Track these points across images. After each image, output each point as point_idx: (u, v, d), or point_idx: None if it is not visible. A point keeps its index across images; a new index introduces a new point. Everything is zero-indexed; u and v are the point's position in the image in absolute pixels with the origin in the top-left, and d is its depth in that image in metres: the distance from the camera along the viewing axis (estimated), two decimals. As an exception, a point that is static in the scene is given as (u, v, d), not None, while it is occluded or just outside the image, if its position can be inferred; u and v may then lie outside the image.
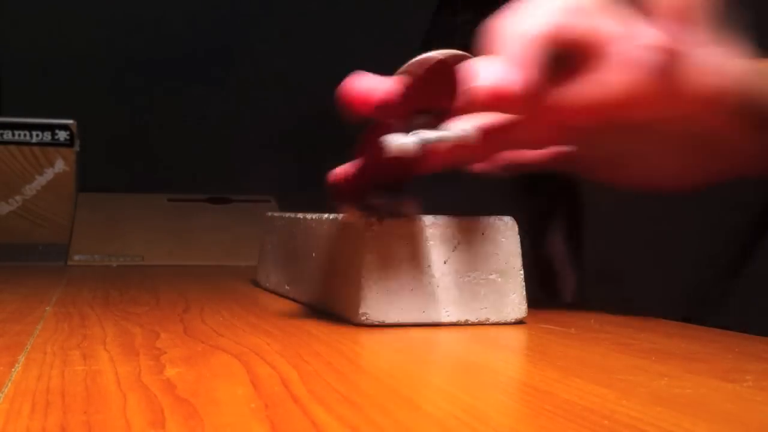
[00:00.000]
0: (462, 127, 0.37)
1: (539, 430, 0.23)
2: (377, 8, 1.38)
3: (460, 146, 0.35)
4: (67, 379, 0.29)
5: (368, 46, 1.39)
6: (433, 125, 0.37)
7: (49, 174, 0.95)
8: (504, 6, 0.38)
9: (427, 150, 0.36)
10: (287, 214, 0.58)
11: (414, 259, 0.43)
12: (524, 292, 0.45)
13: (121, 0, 1.31)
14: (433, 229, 0.43)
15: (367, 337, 0.40)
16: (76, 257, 0.90)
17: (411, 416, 0.25)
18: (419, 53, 0.38)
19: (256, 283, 0.65)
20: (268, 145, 1.41)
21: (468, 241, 0.44)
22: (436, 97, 0.36)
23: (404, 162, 0.36)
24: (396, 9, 1.39)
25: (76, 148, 0.96)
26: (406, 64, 0.36)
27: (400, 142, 0.36)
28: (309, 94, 1.41)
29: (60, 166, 0.95)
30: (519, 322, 0.45)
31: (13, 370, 0.31)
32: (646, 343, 0.40)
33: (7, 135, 0.94)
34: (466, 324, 0.44)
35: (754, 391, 0.29)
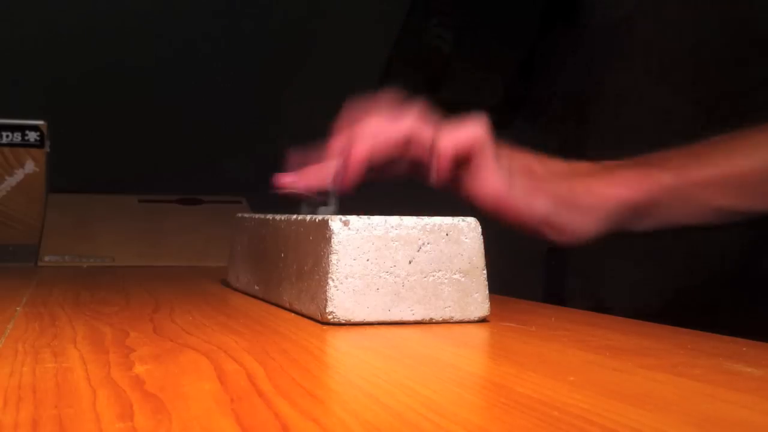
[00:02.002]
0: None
1: (493, 421, 0.25)
2: (349, 11, 1.39)
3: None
4: (38, 375, 0.30)
5: (340, 49, 1.40)
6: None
7: (19, 175, 0.95)
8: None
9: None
10: (257, 215, 0.59)
11: (380, 259, 0.44)
12: (487, 292, 0.46)
13: (94, 2, 1.30)
14: (399, 230, 0.44)
15: (333, 335, 0.41)
16: (47, 258, 0.90)
17: (371, 409, 0.26)
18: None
19: (227, 284, 0.66)
20: (239, 145, 1.42)
21: (432, 241, 0.45)
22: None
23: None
24: (368, 12, 1.40)
25: (47, 148, 0.96)
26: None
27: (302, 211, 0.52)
28: (280, 94, 1.42)
29: (30, 167, 0.95)
30: (482, 321, 0.46)
31: (-16, 367, 0.31)
32: (603, 339, 0.41)
33: (-23, 136, 0.93)
34: (430, 322, 0.45)
35: (701, 385, 0.31)
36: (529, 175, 0.56)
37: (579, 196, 0.55)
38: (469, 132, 0.52)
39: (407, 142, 0.52)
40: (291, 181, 0.53)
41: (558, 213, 0.56)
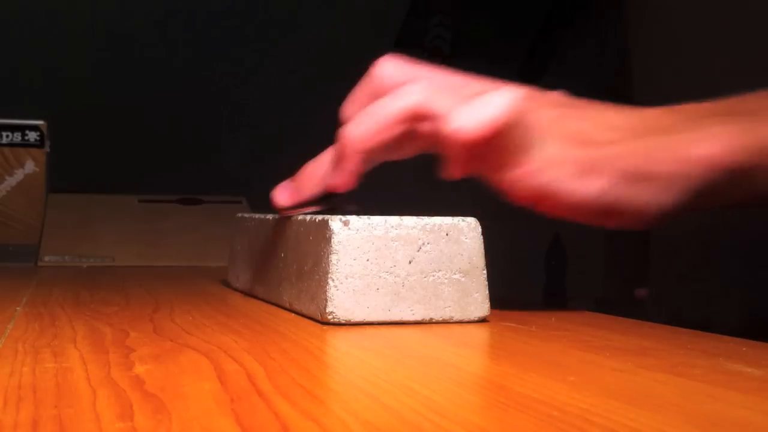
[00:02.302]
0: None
1: (492, 421, 0.25)
2: (351, 9, 1.39)
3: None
4: (38, 375, 0.30)
5: (342, 46, 1.40)
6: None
7: (19, 175, 0.95)
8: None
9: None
10: (257, 215, 0.59)
11: (380, 259, 0.44)
12: (487, 292, 0.46)
13: (93, 2, 1.30)
14: (399, 229, 0.44)
15: (333, 335, 0.41)
16: (47, 258, 0.90)
17: (371, 409, 0.26)
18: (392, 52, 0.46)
19: (227, 284, 0.66)
20: (239, 145, 1.42)
21: (432, 241, 0.45)
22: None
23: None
24: (369, 10, 1.40)
25: (47, 148, 0.96)
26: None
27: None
28: (283, 95, 1.42)
29: (30, 167, 0.95)
30: (482, 321, 0.46)
31: (-16, 367, 0.31)
32: (603, 340, 0.41)
33: (-23, 136, 0.94)
34: (430, 322, 0.45)
35: (701, 385, 0.31)
36: (581, 144, 0.43)
37: (654, 163, 0.42)
38: (495, 109, 0.40)
39: (414, 119, 0.42)
40: (290, 198, 0.48)
41: (622, 190, 0.43)
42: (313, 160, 0.48)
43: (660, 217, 0.44)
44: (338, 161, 0.44)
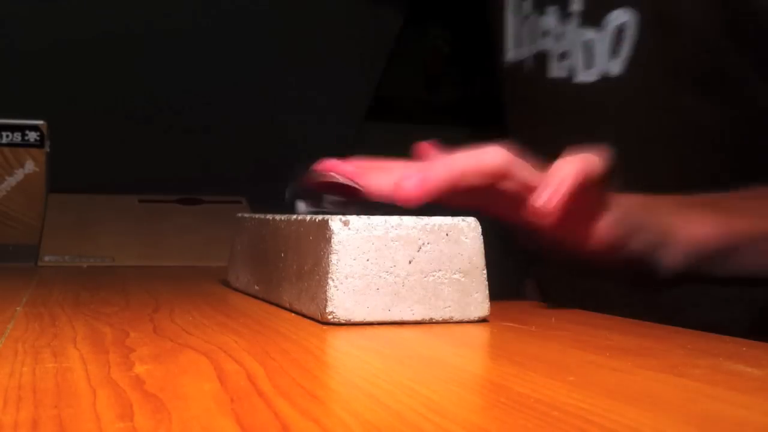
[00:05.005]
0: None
1: (492, 421, 0.25)
2: (346, 18, 1.39)
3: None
4: (38, 375, 0.30)
5: (338, 55, 1.40)
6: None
7: (19, 175, 0.95)
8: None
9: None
10: (257, 215, 0.59)
11: (380, 259, 0.44)
12: (487, 292, 0.46)
13: (93, 2, 1.30)
14: (399, 230, 0.44)
15: (333, 335, 0.41)
16: (47, 258, 0.90)
17: (371, 409, 0.26)
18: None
19: (227, 284, 0.66)
20: (240, 145, 1.42)
21: (432, 241, 0.45)
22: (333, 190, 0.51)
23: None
24: (365, 20, 1.40)
25: (47, 148, 0.96)
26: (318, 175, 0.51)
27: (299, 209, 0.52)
28: (281, 97, 1.42)
29: (30, 166, 0.95)
30: (482, 321, 0.46)
31: (-16, 367, 0.31)
32: (603, 340, 0.41)
33: (-23, 136, 0.94)
34: (430, 322, 0.45)
35: (701, 385, 0.31)
36: (634, 211, 0.52)
37: (672, 232, 0.53)
38: (583, 164, 0.45)
39: (499, 176, 0.46)
40: (347, 171, 0.50)
41: (654, 249, 0.53)
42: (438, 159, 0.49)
43: (674, 273, 0.54)
44: (421, 180, 0.46)
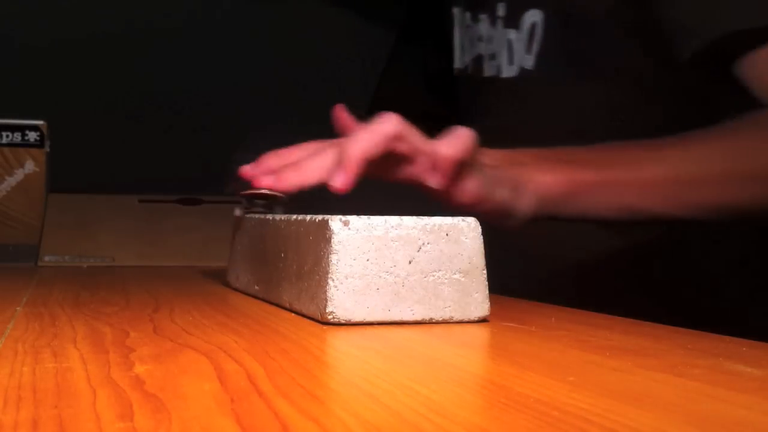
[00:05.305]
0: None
1: (492, 421, 0.25)
2: (341, 31, 1.40)
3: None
4: (38, 375, 0.30)
5: (332, 68, 1.41)
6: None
7: (19, 175, 0.95)
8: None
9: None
10: (257, 215, 0.59)
11: (380, 259, 0.44)
12: (487, 292, 0.46)
13: (94, 2, 1.30)
14: (399, 230, 0.44)
15: (333, 335, 0.41)
16: (47, 258, 0.90)
17: (371, 409, 0.26)
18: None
19: (227, 284, 0.66)
20: (239, 145, 1.42)
21: (432, 241, 0.45)
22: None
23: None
24: (359, 35, 1.40)
25: (47, 148, 0.96)
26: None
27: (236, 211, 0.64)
28: (281, 97, 1.42)
29: (30, 166, 0.95)
30: (482, 320, 0.46)
31: (-16, 367, 0.31)
32: (603, 340, 0.41)
33: (-23, 136, 0.94)
34: (430, 322, 0.45)
35: (700, 385, 0.31)
36: (489, 167, 0.61)
37: (523, 182, 0.62)
38: (466, 143, 0.56)
39: (395, 139, 0.54)
40: (267, 181, 0.55)
41: (511, 198, 0.61)
42: (301, 150, 0.58)
43: (527, 219, 0.63)
44: (341, 166, 0.52)
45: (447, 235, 0.45)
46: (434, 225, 0.45)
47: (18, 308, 0.50)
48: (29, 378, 0.29)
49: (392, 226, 0.44)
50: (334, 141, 0.56)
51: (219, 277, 0.71)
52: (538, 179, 0.62)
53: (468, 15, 0.87)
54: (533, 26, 0.77)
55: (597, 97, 0.75)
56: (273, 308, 0.51)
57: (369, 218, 0.44)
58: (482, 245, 0.46)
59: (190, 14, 1.34)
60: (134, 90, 1.37)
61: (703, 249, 0.82)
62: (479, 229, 0.46)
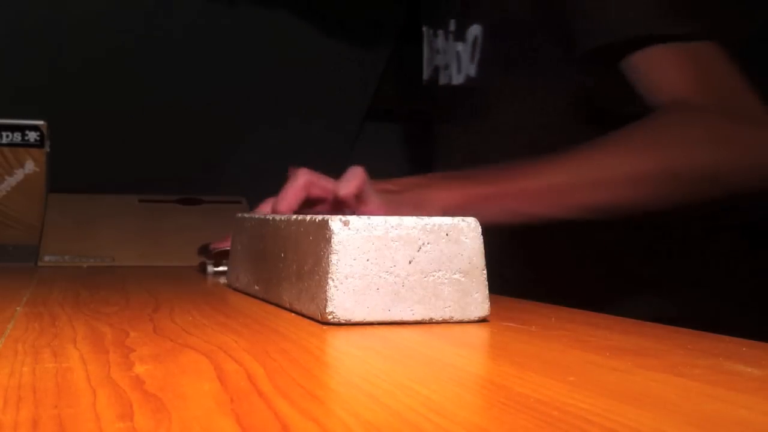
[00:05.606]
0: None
1: (492, 421, 0.25)
2: (341, 31, 1.40)
3: None
4: (38, 375, 0.30)
5: (332, 68, 1.41)
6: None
7: (19, 175, 0.95)
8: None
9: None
10: (257, 215, 0.59)
11: (380, 259, 0.44)
12: (487, 292, 0.46)
13: (94, 2, 1.30)
14: (399, 230, 0.44)
15: (333, 335, 0.41)
16: (47, 258, 0.90)
17: (371, 409, 0.26)
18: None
19: (227, 284, 0.66)
20: (238, 145, 1.42)
21: (432, 241, 0.45)
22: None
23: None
24: (359, 35, 1.40)
25: (47, 148, 0.96)
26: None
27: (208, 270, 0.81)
28: (281, 98, 1.42)
29: (30, 167, 0.95)
30: (482, 321, 0.46)
31: (-16, 367, 0.31)
32: (603, 340, 0.41)
33: (-23, 136, 0.94)
34: (430, 322, 0.45)
35: (700, 385, 0.31)
36: (389, 193, 0.71)
37: (421, 200, 0.71)
38: (358, 180, 0.67)
39: (309, 186, 0.67)
40: (224, 243, 0.73)
41: (415, 214, 0.68)
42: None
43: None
44: (280, 203, 0.67)
45: (447, 235, 0.45)
46: (434, 225, 0.45)
47: (18, 308, 0.50)
48: (29, 378, 0.29)
49: (392, 226, 0.44)
50: (270, 199, 0.70)
51: (219, 277, 0.71)
52: (439, 196, 0.72)
53: (431, 31, 1.00)
54: (476, 38, 0.90)
55: (530, 99, 0.86)
56: (273, 308, 0.51)
57: (369, 218, 0.44)
58: (482, 245, 0.46)
59: (191, 14, 1.34)
60: (134, 90, 1.37)
61: (703, 249, 0.89)
62: (479, 229, 0.46)
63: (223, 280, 0.72)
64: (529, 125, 0.86)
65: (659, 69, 0.75)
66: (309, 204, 0.69)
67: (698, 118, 0.72)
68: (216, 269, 0.78)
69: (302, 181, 0.67)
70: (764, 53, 0.94)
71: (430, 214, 0.67)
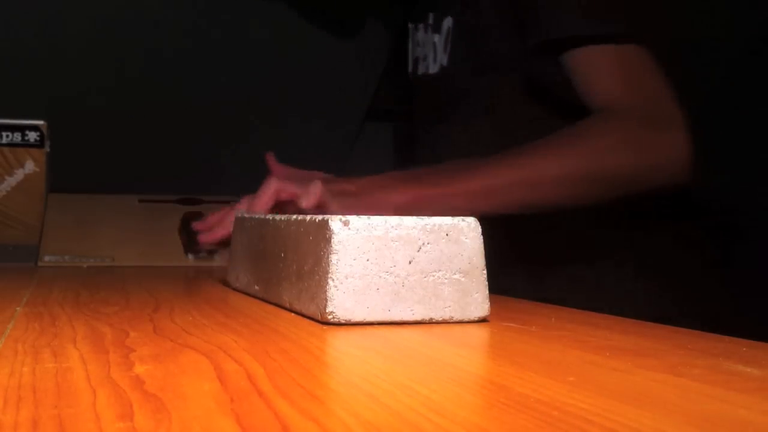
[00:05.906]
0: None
1: (492, 421, 0.25)
2: (341, 31, 1.40)
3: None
4: (38, 375, 0.30)
5: (332, 68, 1.41)
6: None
7: (19, 175, 0.95)
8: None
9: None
10: (257, 215, 0.59)
11: (380, 259, 0.44)
12: (487, 292, 0.46)
13: (94, 2, 1.30)
14: (399, 230, 0.44)
15: (333, 335, 0.41)
16: (47, 258, 0.90)
17: (371, 409, 0.26)
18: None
19: (227, 284, 0.66)
20: (238, 145, 1.42)
21: (432, 241, 0.45)
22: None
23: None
24: (359, 35, 1.40)
25: (47, 148, 0.96)
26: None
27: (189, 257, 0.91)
28: (282, 98, 1.42)
29: (30, 166, 0.95)
30: (482, 320, 0.46)
31: (-16, 367, 0.31)
32: (603, 340, 0.41)
33: (-23, 136, 0.94)
34: (430, 322, 0.45)
35: (700, 385, 0.31)
36: (347, 195, 0.78)
37: (376, 202, 0.78)
38: (318, 194, 0.75)
39: (278, 192, 0.78)
40: (212, 237, 0.84)
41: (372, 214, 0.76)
42: (225, 211, 0.88)
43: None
44: (254, 206, 0.78)
45: (447, 235, 0.45)
46: (434, 225, 0.45)
47: (18, 308, 0.50)
48: (29, 378, 0.29)
49: (392, 226, 0.44)
50: (248, 196, 0.80)
51: (219, 277, 0.71)
52: (392, 197, 0.79)
53: (413, 27, 1.06)
54: (448, 30, 0.97)
55: (495, 88, 0.93)
56: (273, 308, 0.51)
57: (369, 218, 0.44)
58: (482, 245, 0.46)
59: (191, 15, 1.34)
60: (135, 90, 1.37)
61: (702, 249, 0.93)
62: (479, 229, 0.46)
63: (205, 262, 0.81)
64: (499, 114, 0.94)
65: (592, 70, 0.82)
66: (280, 205, 0.79)
67: (616, 126, 0.80)
68: (197, 256, 0.85)
69: (273, 188, 0.78)
70: (764, 53, 0.96)
71: (384, 215, 0.74)
